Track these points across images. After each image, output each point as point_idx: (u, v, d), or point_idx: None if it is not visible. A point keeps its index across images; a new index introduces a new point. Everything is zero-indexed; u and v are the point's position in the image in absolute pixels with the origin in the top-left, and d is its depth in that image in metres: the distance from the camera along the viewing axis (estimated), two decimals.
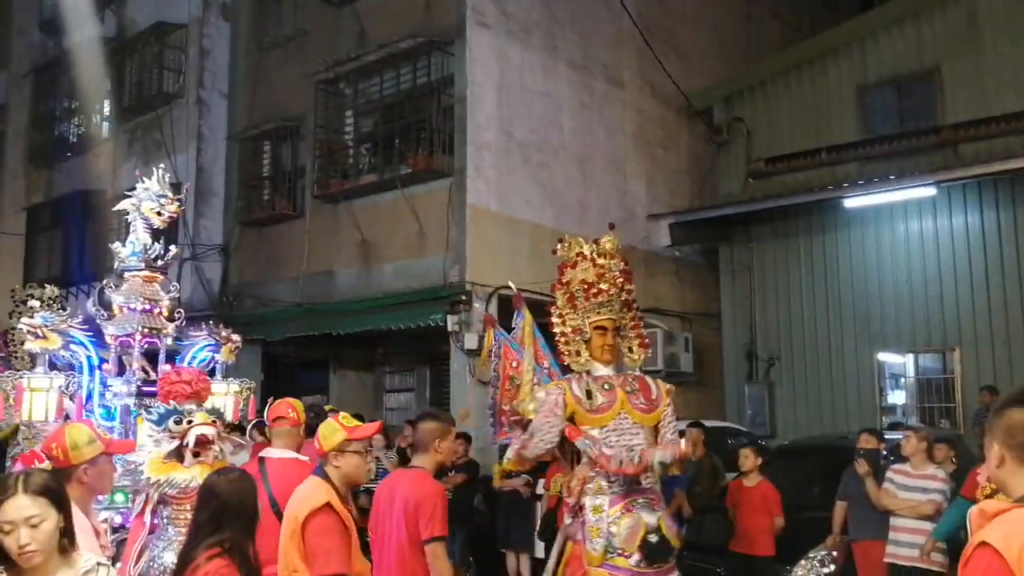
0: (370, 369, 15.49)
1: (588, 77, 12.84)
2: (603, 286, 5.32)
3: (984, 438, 2.48)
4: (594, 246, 5.50)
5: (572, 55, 12.59)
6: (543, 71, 12.14)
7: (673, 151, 14.16)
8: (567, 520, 5.11)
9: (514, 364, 5.95)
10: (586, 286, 5.35)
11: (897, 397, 12.25)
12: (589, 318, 5.33)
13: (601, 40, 13.08)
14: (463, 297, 10.72)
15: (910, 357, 12.08)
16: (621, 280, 5.39)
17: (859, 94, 12.87)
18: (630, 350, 5.47)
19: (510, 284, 6.67)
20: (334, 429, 3.93)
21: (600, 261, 5.41)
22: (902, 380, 12.22)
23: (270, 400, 5.04)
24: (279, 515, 4.07)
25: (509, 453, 5.41)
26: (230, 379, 6.23)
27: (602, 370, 5.27)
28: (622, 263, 5.45)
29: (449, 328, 10.71)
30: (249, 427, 8.31)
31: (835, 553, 6.89)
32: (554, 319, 5.48)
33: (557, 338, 5.49)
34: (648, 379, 5.41)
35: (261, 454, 4.88)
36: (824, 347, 12.34)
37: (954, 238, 11.46)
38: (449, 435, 4.49)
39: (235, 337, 6.22)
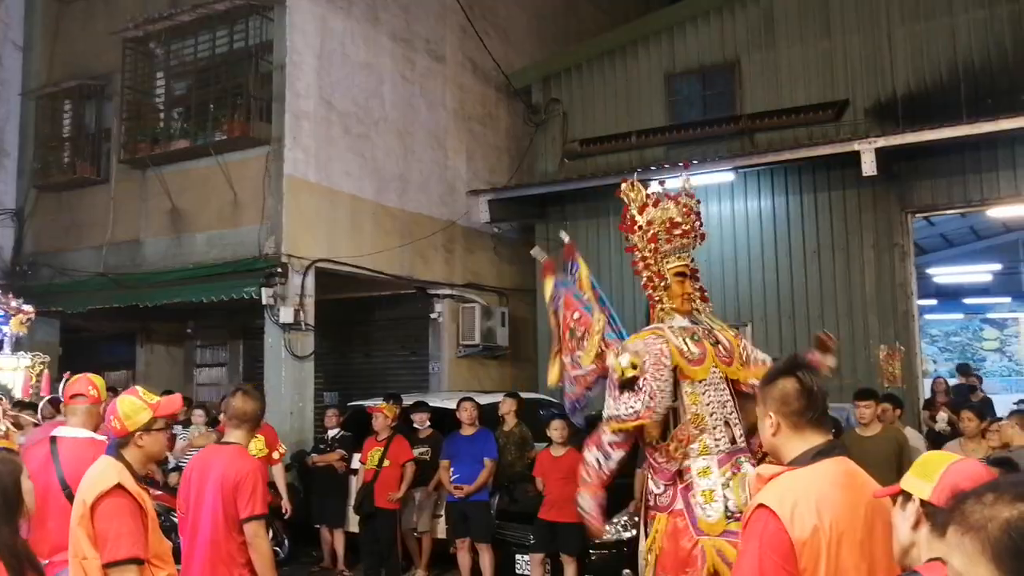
0: (180, 343, 14.94)
1: (410, 51, 12.84)
2: (687, 227, 4.94)
3: (757, 407, 2.74)
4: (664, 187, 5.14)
5: (395, 27, 12.54)
6: (365, 42, 12.03)
7: (493, 128, 14.41)
8: (656, 488, 4.63)
9: (576, 316, 5.36)
10: (669, 225, 4.92)
11: None
12: (669, 263, 4.92)
13: (424, 14, 13.09)
14: (279, 269, 10.52)
15: None
16: (698, 223, 5.05)
17: (667, 82, 13.52)
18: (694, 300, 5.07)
19: (563, 234, 6.01)
20: (139, 407, 3.65)
21: (683, 200, 5.03)
22: None
23: (66, 375, 4.80)
24: (71, 498, 3.78)
25: (622, 411, 4.65)
26: (21, 353, 5.90)
27: (681, 321, 4.85)
28: (698, 203, 5.08)
29: (264, 301, 10.48)
30: (41, 404, 7.87)
31: (636, 518, 7.34)
32: (638, 264, 5.06)
33: (644, 283, 5.04)
34: (715, 328, 5.02)
35: (53, 433, 4.51)
36: (630, 323, 12.90)
37: (749, 221, 12.29)
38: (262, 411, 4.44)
39: (27, 308, 5.91)
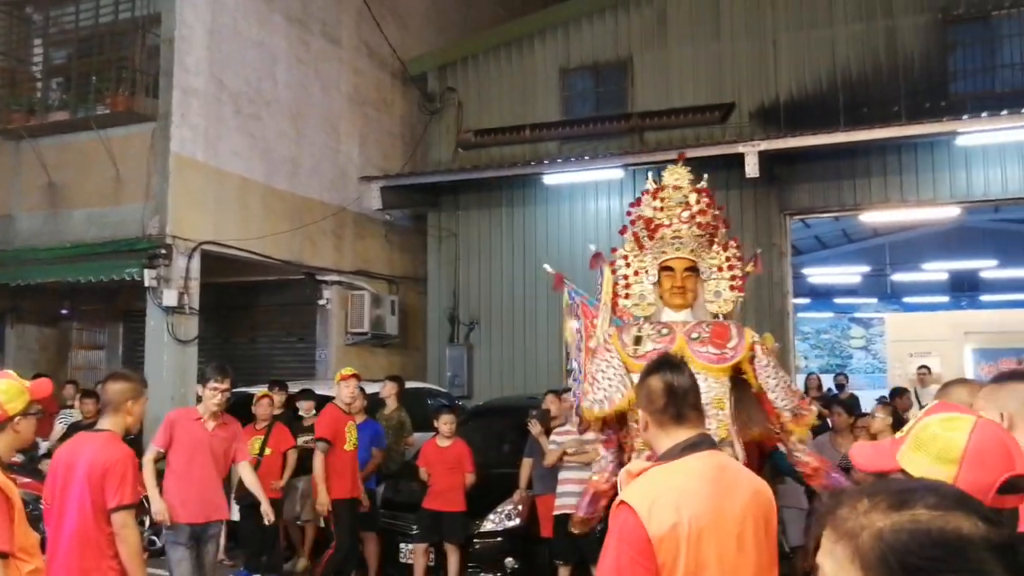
0: (54, 324, 14.30)
1: (305, 32, 12.61)
2: (664, 221, 4.86)
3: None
4: (659, 179, 5.01)
5: (289, 7, 12.28)
6: (258, 20, 11.75)
7: (387, 115, 14.30)
8: None
9: (594, 322, 5.35)
10: (645, 222, 4.92)
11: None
12: (658, 259, 4.91)
13: None
14: (163, 251, 10.20)
15: None
16: (689, 214, 4.89)
17: (562, 77, 13.71)
18: (717, 293, 4.97)
19: (591, 247, 5.75)
20: (18, 390, 3.48)
21: (661, 195, 4.93)
22: None
23: None
24: None
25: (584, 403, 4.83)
26: None
27: (672, 316, 4.82)
28: (695, 194, 4.93)
29: (146, 283, 10.15)
30: None
31: (520, 507, 7.45)
32: (617, 262, 5.07)
33: (616, 281, 5.04)
34: (733, 326, 4.86)
35: None
36: (520, 313, 13.14)
37: None
38: (141, 397, 4.30)
39: None
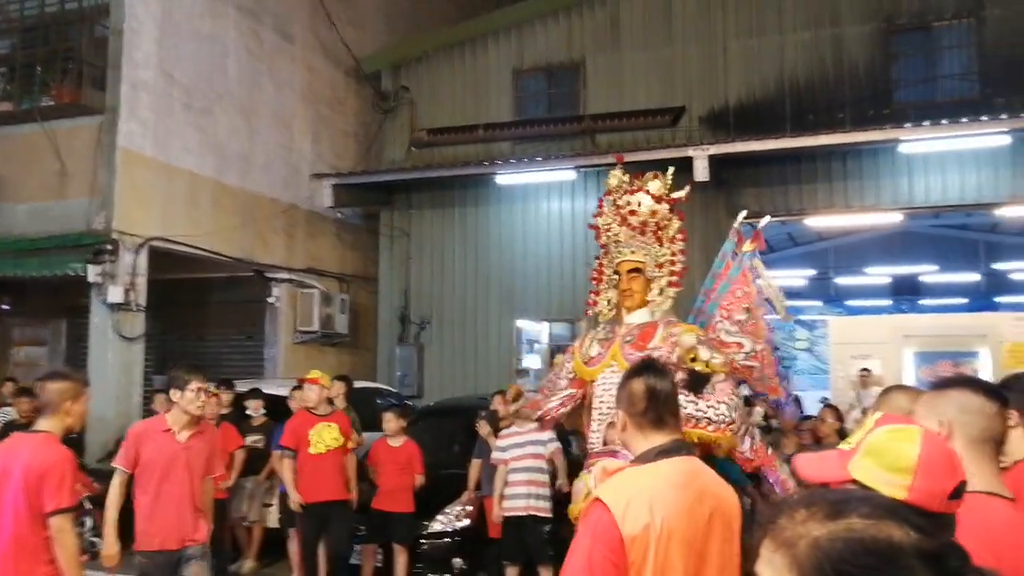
0: None
1: (258, 26, 12.49)
2: (613, 225, 4.91)
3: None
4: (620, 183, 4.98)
5: (241, 2, 12.16)
6: (210, 14, 11.61)
7: (341, 113, 14.23)
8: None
9: (740, 293, 5.17)
10: (595, 229, 5.01)
11: (532, 361, 13.44)
12: (613, 262, 4.97)
13: None
14: (109, 246, 10.03)
15: (544, 325, 13.31)
16: (620, 216, 4.91)
17: (515, 77, 13.78)
18: (660, 291, 4.96)
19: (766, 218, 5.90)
20: None
21: (601, 199, 5.03)
22: (536, 345, 13.44)
23: None
24: None
25: None
26: None
27: (628, 318, 4.84)
28: (640, 193, 4.93)
29: (91, 279, 9.97)
30: None
31: (469, 508, 7.47)
32: (595, 268, 5.12)
33: (592, 284, 5.14)
34: (662, 325, 4.85)
35: None
36: (471, 313, 13.18)
37: (587, 219, 12.62)
38: (82, 396, 4.21)
39: None
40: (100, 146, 10.28)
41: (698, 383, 4.68)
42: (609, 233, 4.99)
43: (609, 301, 5.03)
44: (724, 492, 2.51)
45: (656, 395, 2.52)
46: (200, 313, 13.70)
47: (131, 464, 4.94)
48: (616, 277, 4.99)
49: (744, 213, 6.08)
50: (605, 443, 4.55)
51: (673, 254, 5.00)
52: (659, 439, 2.49)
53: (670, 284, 4.96)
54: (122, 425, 9.85)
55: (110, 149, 10.23)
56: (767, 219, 5.98)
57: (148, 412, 10.01)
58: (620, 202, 4.99)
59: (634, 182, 5.10)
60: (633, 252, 4.94)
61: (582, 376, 4.82)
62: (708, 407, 4.51)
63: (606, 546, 2.25)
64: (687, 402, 4.40)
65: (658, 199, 5.01)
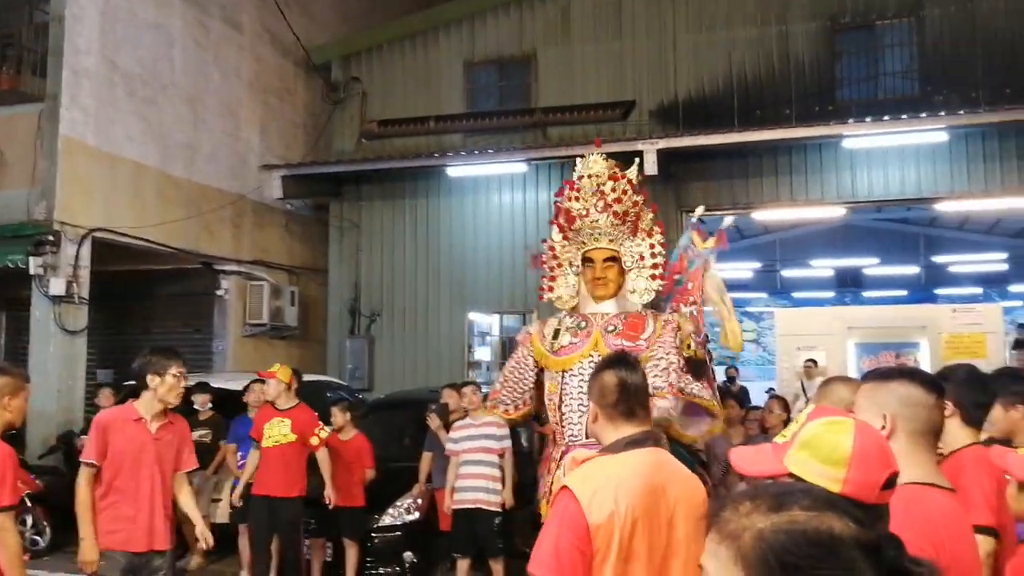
0: None
1: (204, 15, 12.29)
2: (581, 212, 4.76)
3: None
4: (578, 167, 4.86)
5: None
6: (155, 1, 11.40)
7: (290, 103, 14.08)
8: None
9: (691, 285, 5.13)
10: (565, 213, 4.81)
11: (483, 353, 13.45)
12: (581, 249, 4.84)
13: None
14: (50, 237, 9.83)
15: (496, 317, 13.33)
16: (604, 203, 4.75)
17: (466, 70, 13.74)
18: (639, 283, 4.87)
19: (702, 212, 5.79)
20: None
21: (578, 184, 4.81)
22: (488, 338, 13.47)
23: None
24: None
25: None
26: None
27: (595, 307, 4.76)
28: (611, 182, 4.78)
29: (32, 271, 9.76)
30: None
31: (420, 500, 7.47)
32: (545, 252, 4.97)
33: (543, 272, 4.95)
34: (649, 315, 4.81)
35: None
36: (423, 305, 13.14)
37: (539, 211, 12.73)
38: (22, 391, 4.14)
39: None
40: (41, 134, 10.07)
41: (696, 368, 4.78)
42: (587, 219, 4.83)
43: (567, 288, 4.94)
44: (691, 482, 2.55)
45: (627, 388, 2.57)
46: (146, 306, 13.47)
47: (101, 456, 4.51)
48: (589, 264, 4.85)
49: (702, 209, 6.15)
50: (588, 435, 4.40)
51: (652, 246, 4.94)
52: (629, 430, 2.54)
53: (652, 277, 4.89)
54: (65, 420, 9.70)
55: (51, 137, 10.02)
56: (731, 219, 6.02)
57: (91, 407, 9.83)
58: (605, 188, 4.82)
59: (615, 170, 4.96)
60: (612, 241, 4.85)
61: (548, 367, 4.73)
62: (703, 389, 4.72)
63: (573, 533, 2.29)
64: (691, 383, 4.66)
65: (636, 189, 4.97)
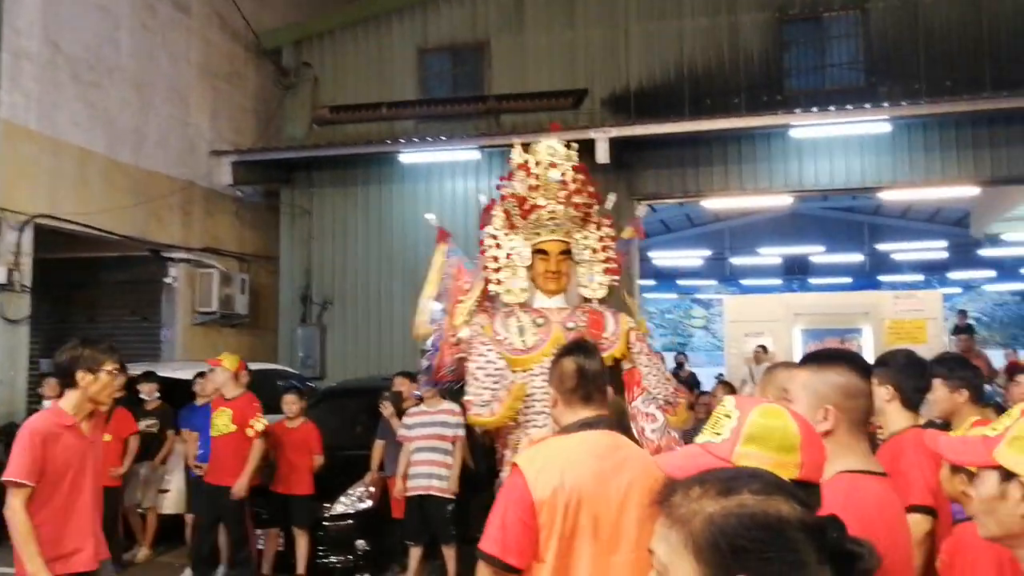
0: None
1: None
2: (540, 201, 4.46)
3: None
4: (536, 152, 4.54)
5: None
6: None
7: (240, 88, 13.88)
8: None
9: (466, 286, 4.90)
10: (518, 201, 4.50)
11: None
12: (531, 240, 4.56)
13: None
14: None
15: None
16: (566, 193, 4.49)
17: (419, 56, 13.67)
18: (591, 277, 4.69)
19: (429, 217, 5.59)
20: None
21: (536, 171, 4.51)
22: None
23: None
24: None
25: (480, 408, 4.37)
26: None
27: (546, 301, 4.53)
28: (572, 171, 4.53)
29: None
30: None
31: (372, 489, 7.46)
32: (486, 241, 4.64)
33: (486, 262, 4.61)
34: (608, 313, 4.65)
35: None
36: (375, 293, 13.08)
37: (493, 198, 12.76)
38: None
39: None
40: None
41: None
42: (545, 210, 4.54)
43: (515, 281, 4.66)
44: (648, 467, 2.52)
45: (585, 373, 2.64)
46: (91, 294, 13.21)
47: (37, 474, 3.78)
48: (542, 256, 4.60)
49: (647, 210, 6.18)
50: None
51: (601, 239, 4.77)
52: (585, 414, 2.62)
53: (606, 271, 4.73)
54: (6, 412, 9.50)
55: None
56: (646, 211, 6.03)
57: (34, 398, 9.65)
58: (567, 178, 4.57)
59: (575, 159, 4.72)
60: (568, 232, 4.64)
61: (516, 367, 4.40)
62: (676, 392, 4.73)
63: (519, 509, 2.36)
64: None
65: (590, 179, 4.79)
